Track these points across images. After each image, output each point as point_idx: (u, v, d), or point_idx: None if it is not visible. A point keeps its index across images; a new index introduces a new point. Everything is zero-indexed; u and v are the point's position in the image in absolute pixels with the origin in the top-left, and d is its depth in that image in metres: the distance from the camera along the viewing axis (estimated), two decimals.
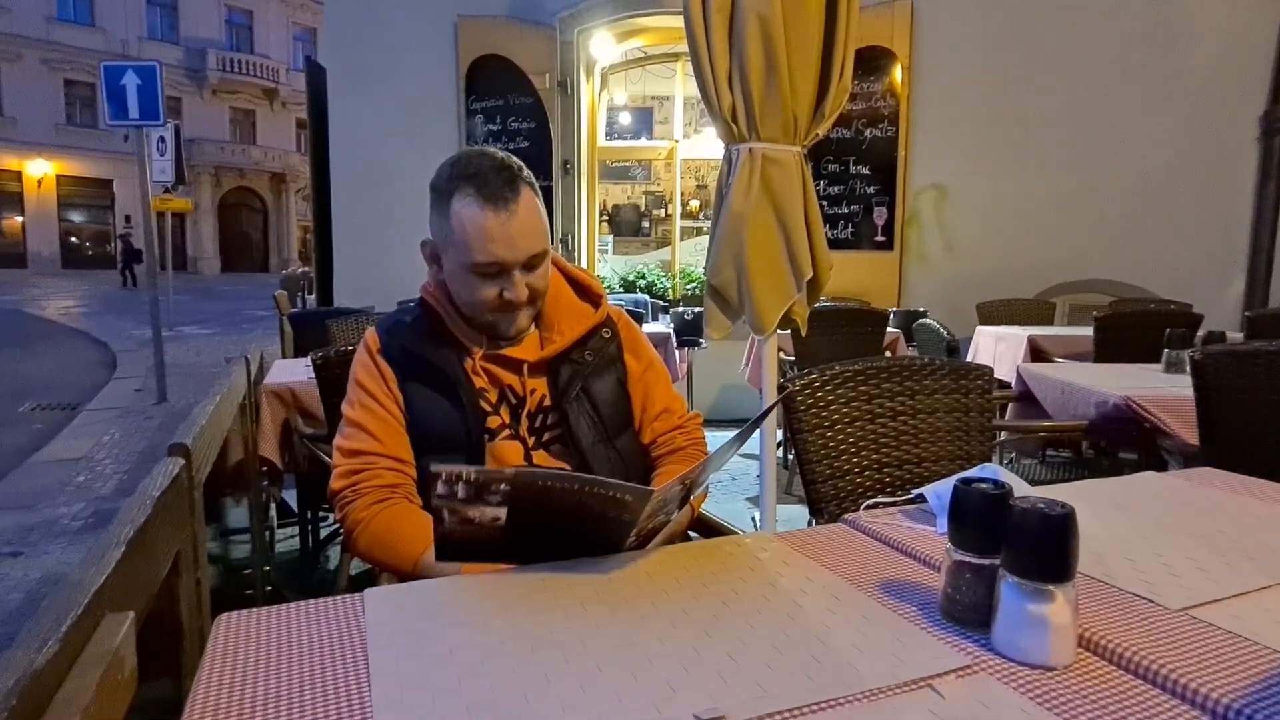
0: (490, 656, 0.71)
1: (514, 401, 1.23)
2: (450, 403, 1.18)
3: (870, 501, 1.11)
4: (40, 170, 24.43)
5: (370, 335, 1.25)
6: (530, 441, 1.22)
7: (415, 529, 1.09)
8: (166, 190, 12.17)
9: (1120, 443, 2.21)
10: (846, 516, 1.09)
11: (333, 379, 2.04)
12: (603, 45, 5.89)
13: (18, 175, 24.20)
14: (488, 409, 1.21)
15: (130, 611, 0.60)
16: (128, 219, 25.94)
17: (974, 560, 0.75)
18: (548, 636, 0.74)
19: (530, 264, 1.17)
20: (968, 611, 0.76)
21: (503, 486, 0.84)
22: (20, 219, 24.53)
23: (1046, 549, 0.69)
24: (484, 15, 5.47)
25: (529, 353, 1.24)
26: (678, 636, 0.74)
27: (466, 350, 1.22)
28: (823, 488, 1.42)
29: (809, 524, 1.42)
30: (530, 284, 1.18)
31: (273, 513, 3.06)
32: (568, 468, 1.21)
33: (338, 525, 2.90)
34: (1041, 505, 0.70)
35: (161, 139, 11.05)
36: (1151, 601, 0.80)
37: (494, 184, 1.13)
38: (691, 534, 1.43)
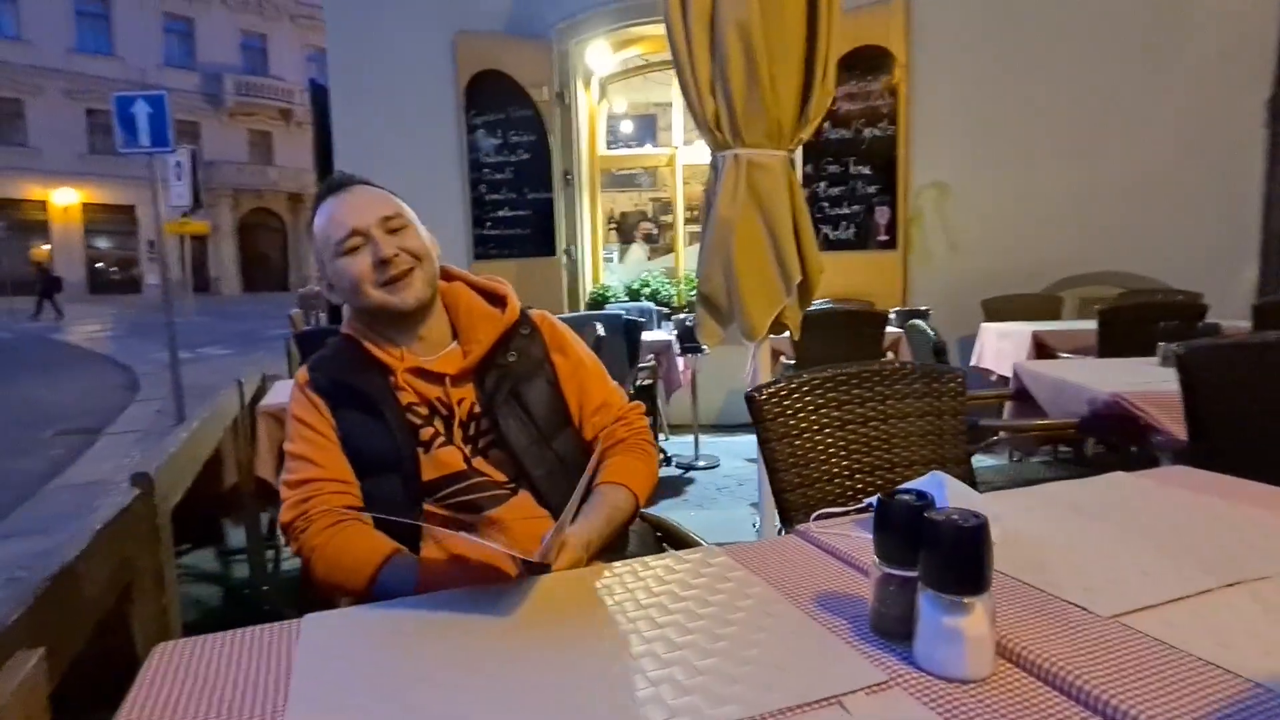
0: (415, 683, 0.71)
1: (444, 413, 1.25)
2: (379, 421, 1.21)
3: (821, 511, 1.10)
4: (66, 199, 25.01)
5: (300, 373, 1.28)
6: (467, 450, 1.24)
7: (368, 549, 1.12)
8: (184, 214, 12.39)
9: (1114, 439, 2.18)
10: (798, 526, 1.08)
11: None
12: (599, 55, 5.92)
13: (43, 204, 24.79)
14: (419, 422, 1.23)
15: (41, 648, 0.61)
16: (150, 243, 26.43)
17: (898, 573, 0.75)
18: (476, 661, 0.75)
19: (388, 227, 1.23)
20: (894, 624, 0.76)
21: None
22: (48, 247, 25.10)
23: (960, 561, 0.69)
24: (482, 30, 5.52)
25: (451, 365, 1.26)
26: (602, 656, 0.75)
27: (390, 369, 1.24)
28: (791, 496, 1.41)
29: (778, 533, 1.42)
30: (401, 244, 1.22)
31: (278, 532, 3.10)
32: (504, 476, 1.23)
33: None
34: (955, 517, 0.69)
35: (178, 164, 11.26)
36: (1084, 609, 0.79)
37: (332, 182, 1.27)
38: (664, 545, 1.44)
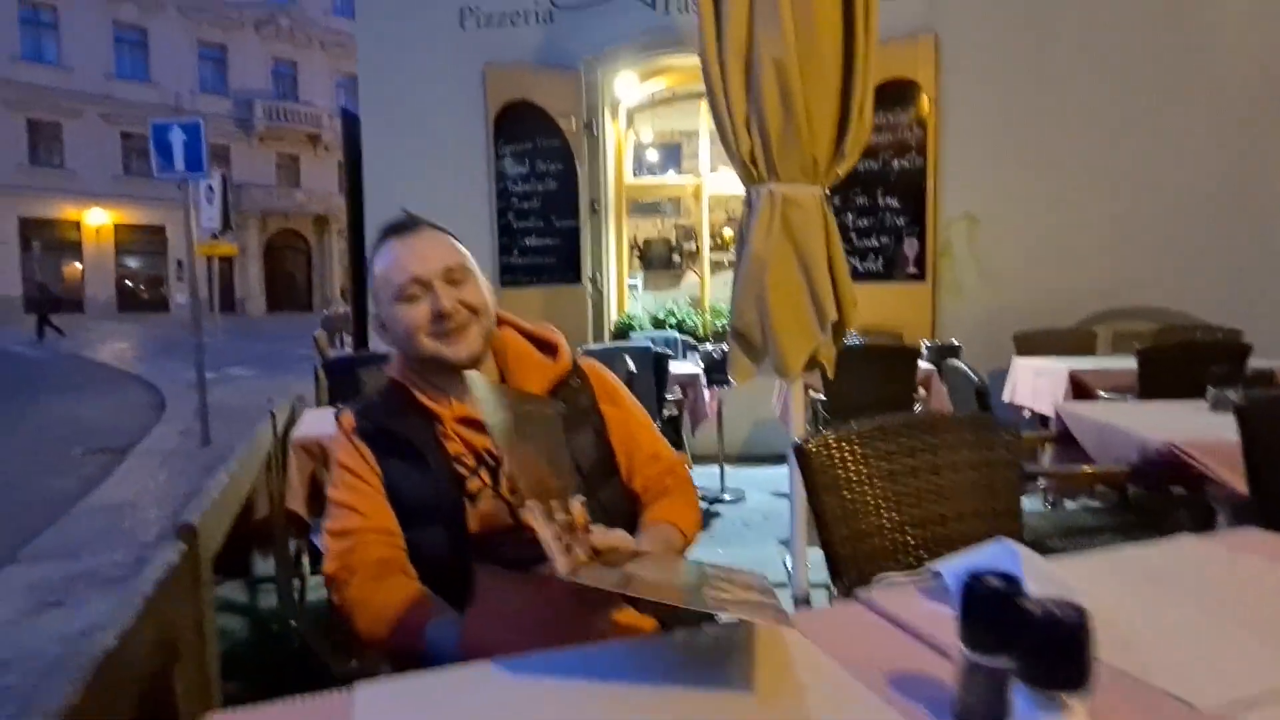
0: None
1: (491, 463, 1.22)
2: (426, 471, 1.19)
3: (882, 576, 1.06)
4: (99, 219, 25.57)
5: (345, 418, 1.26)
6: (513, 501, 1.21)
7: (411, 606, 1.09)
8: (213, 236, 12.61)
9: (1165, 487, 2.11)
10: (860, 593, 1.04)
11: None
12: (627, 86, 5.97)
13: (77, 225, 25.36)
14: (465, 472, 1.21)
15: None
16: (179, 263, 26.94)
17: (985, 661, 0.71)
18: None
19: (450, 278, 1.21)
20: (980, 716, 0.71)
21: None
22: (80, 266, 25.63)
23: (1060, 657, 0.65)
24: (511, 62, 5.58)
25: None
26: None
27: (437, 417, 1.22)
28: (842, 550, 1.37)
29: (829, 592, 1.37)
30: (460, 298, 1.20)
31: (305, 561, 3.08)
32: None
33: None
34: (1054, 609, 0.65)
35: (209, 187, 11.50)
36: (1184, 701, 0.74)
37: (397, 224, 1.26)
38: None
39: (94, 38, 25.09)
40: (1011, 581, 0.72)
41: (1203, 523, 2.05)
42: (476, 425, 1.23)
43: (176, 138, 6.03)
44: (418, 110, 5.73)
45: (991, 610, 0.71)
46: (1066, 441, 2.65)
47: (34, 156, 24.52)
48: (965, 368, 2.67)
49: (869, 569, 1.37)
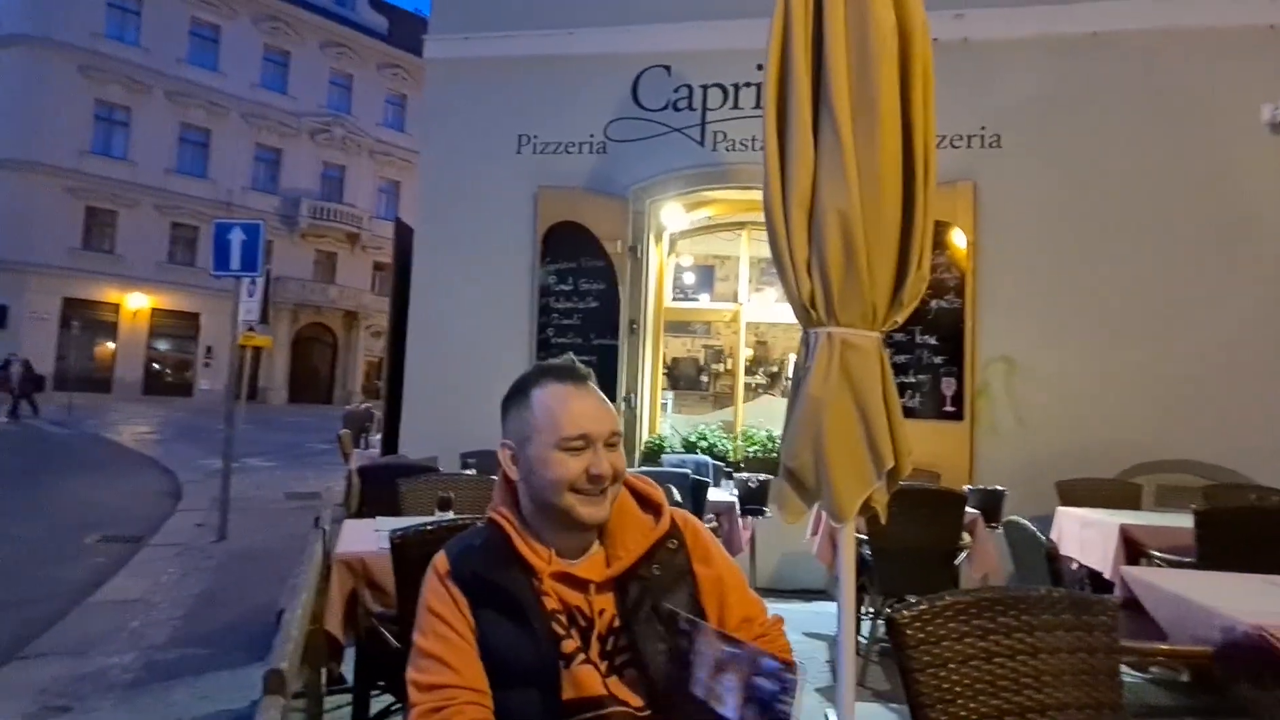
0: None
1: (584, 624, 1.18)
2: (523, 628, 1.15)
3: None
4: (138, 304, 26.34)
5: (440, 560, 1.23)
6: (603, 666, 1.16)
7: None
8: (250, 328, 12.91)
9: (1251, 674, 2.00)
10: None
11: (408, 558, 2.00)
12: (672, 214, 6.21)
13: (116, 307, 26.12)
14: (561, 632, 1.16)
15: None
16: (209, 350, 27.50)
17: None
18: None
19: (610, 441, 1.21)
20: None
21: None
22: (112, 345, 26.21)
23: None
24: (563, 186, 5.85)
25: (595, 572, 1.21)
26: None
27: (534, 571, 1.19)
28: None
29: None
30: (613, 462, 1.20)
31: (323, 681, 2.96)
32: (639, 700, 1.16)
33: (391, 703, 2.75)
34: None
35: (253, 282, 11.86)
36: None
37: (568, 370, 1.26)
38: None
39: (161, 137, 26.68)
40: None
41: None
42: (572, 581, 1.20)
43: (236, 237, 6.28)
44: (470, 224, 5.97)
45: None
46: (1130, 606, 2.54)
47: (87, 241, 25.60)
48: (1031, 526, 2.60)
49: None
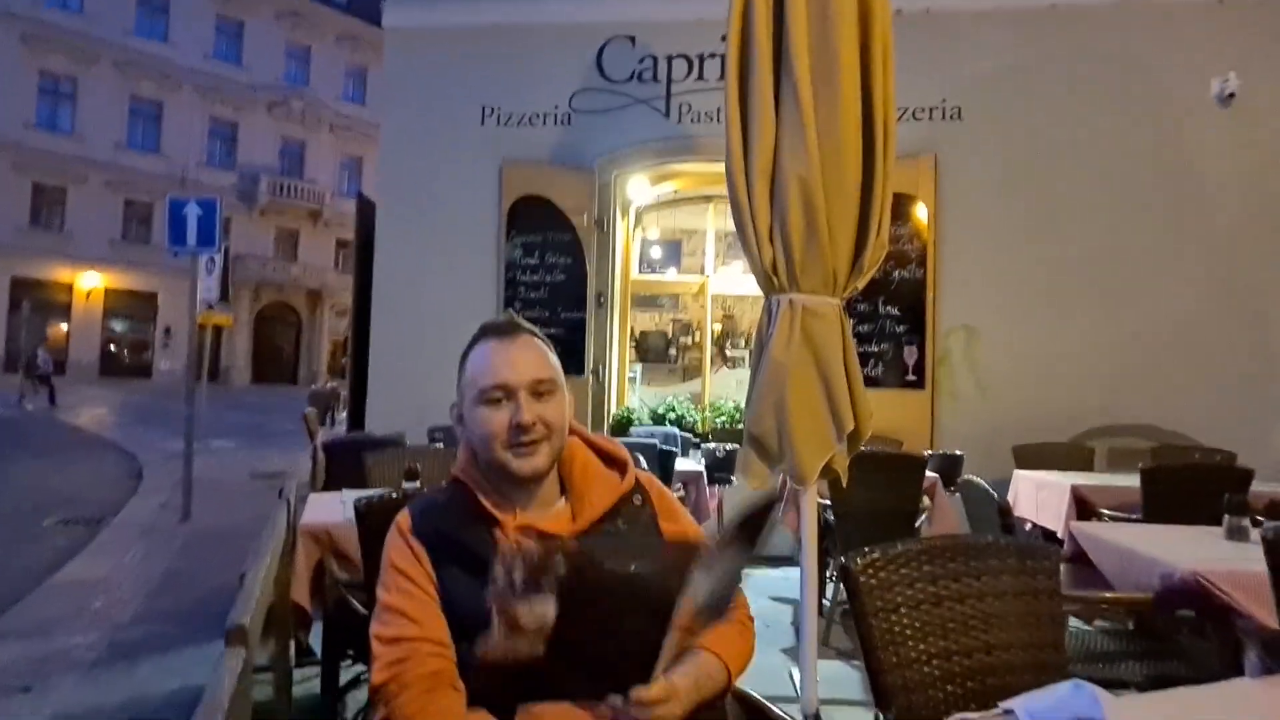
0: None
1: None
2: (484, 582, 1.16)
3: (959, 717, 1.04)
4: (90, 283, 25.59)
5: (402, 517, 1.25)
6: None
7: None
8: (210, 306, 12.63)
9: (1191, 618, 2.10)
10: None
11: (374, 527, 2.01)
12: (638, 187, 6.19)
13: (69, 288, 25.34)
14: None
15: None
16: (167, 330, 26.86)
17: None
18: None
19: (537, 390, 1.21)
20: None
21: (559, 569, 0.96)
22: (65, 327, 25.46)
23: None
24: (528, 159, 5.80)
25: (561, 525, 1.23)
26: None
27: (498, 523, 1.21)
28: (890, 678, 1.34)
29: (876, 718, 1.34)
30: (541, 414, 1.20)
31: (291, 654, 2.96)
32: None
33: (360, 672, 2.76)
34: None
35: (211, 259, 11.58)
36: None
37: (499, 326, 1.27)
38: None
39: (110, 109, 25.77)
40: None
41: (1228, 654, 2.03)
42: (538, 535, 1.22)
43: (192, 213, 6.12)
44: (433, 198, 5.89)
45: None
46: (1079, 561, 2.65)
47: (35, 219, 24.75)
48: (984, 485, 2.69)
49: (918, 698, 1.35)
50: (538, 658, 1.00)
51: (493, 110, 5.88)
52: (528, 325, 1.29)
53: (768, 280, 2.80)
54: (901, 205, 5.35)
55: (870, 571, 1.39)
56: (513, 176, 5.77)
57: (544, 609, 0.97)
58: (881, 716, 1.34)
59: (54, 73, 24.86)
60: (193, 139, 27.52)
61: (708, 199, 6.76)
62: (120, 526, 6.21)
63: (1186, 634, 2.43)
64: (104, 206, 25.77)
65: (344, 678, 2.92)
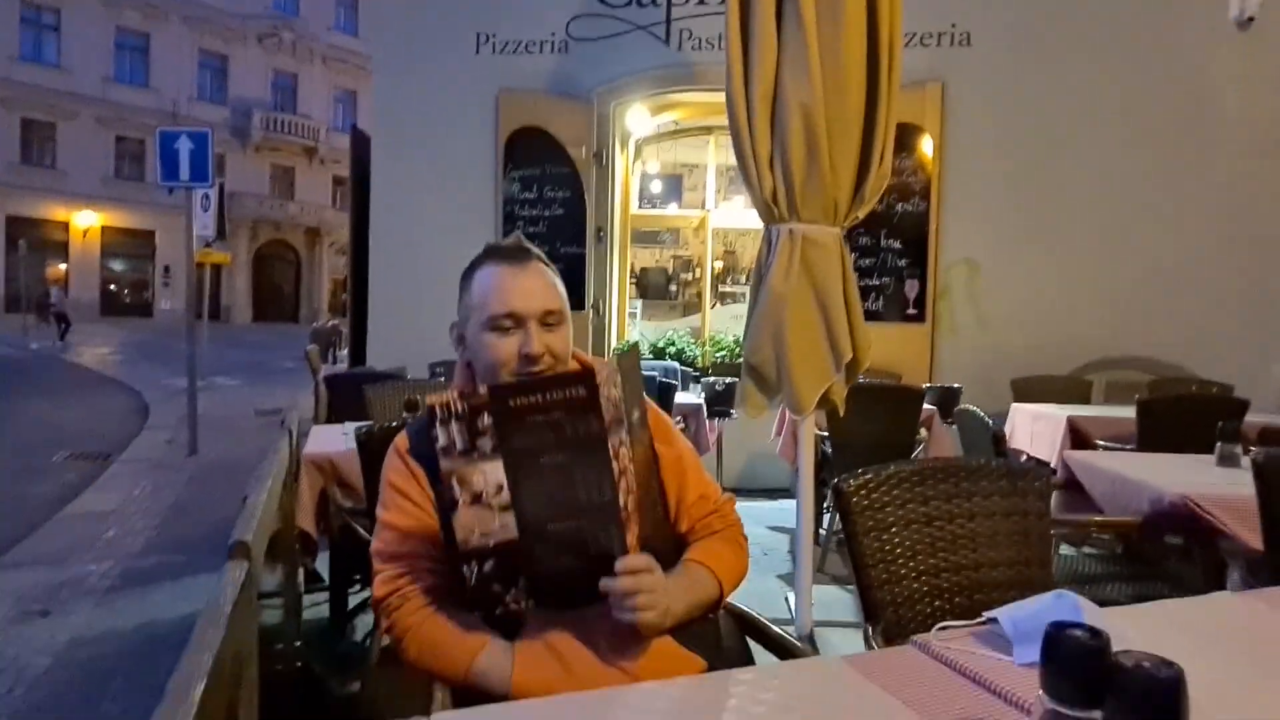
0: None
1: None
2: None
3: (942, 625, 1.07)
4: (87, 221, 25.34)
5: (400, 439, 1.26)
6: None
7: (463, 637, 1.10)
8: (207, 244, 12.52)
9: (1179, 540, 2.15)
10: (916, 638, 1.05)
11: (375, 454, 2.04)
12: (638, 118, 6.05)
13: (65, 226, 25.11)
14: None
15: None
16: (166, 269, 26.74)
17: (1070, 713, 0.72)
18: None
19: (546, 320, 1.21)
20: None
21: (486, 417, 0.97)
22: (64, 267, 25.33)
23: (1155, 713, 0.66)
24: (524, 89, 5.65)
25: None
26: None
27: None
28: (879, 593, 1.38)
29: (865, 633, 1.38)
30: (549, 344, 1.20)
31: (300, 580, 3.04)
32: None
33: (368, 596, 2.84)
34: (1148, 665, 0.67)
35: (205, 195, 11.43)
36: None
37: (508, 250, 1.26)
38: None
39: (95, 41, 25.07)
40: (1095, 634, 0.74)
41: (1212, 575, 2.08)
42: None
43: (184, 146, 6.01)
44: (428, 130, 5.76)
45: (1079, 662, 0.72)
46: (1071, 488, 2.69)
47: (25, 155, 24.35)
48: (979, 413, 2.71)
49: (906, 613, 1.39)
50: (513, 540, 1.01)
51: (488, 38, 5.70)
52: (536, 250, 1.27)
53: (767, 210, 2.76)
54: (906, 136, 5.23)
55: (863, 493, 1.42)
56: (509, 107, 5.63)
57: (494, 472, 0.98)
58: (871, 629, 1.38)
59: (35, 3, 24.09)
60: (182, 72, 26.83)
61: (708, 130, 6.62)
62: (129, 461, 6.32)
63: (1174, 561, 2.49)
64: (95, 143, 25.32)
65: (351, 602, 3.01)
